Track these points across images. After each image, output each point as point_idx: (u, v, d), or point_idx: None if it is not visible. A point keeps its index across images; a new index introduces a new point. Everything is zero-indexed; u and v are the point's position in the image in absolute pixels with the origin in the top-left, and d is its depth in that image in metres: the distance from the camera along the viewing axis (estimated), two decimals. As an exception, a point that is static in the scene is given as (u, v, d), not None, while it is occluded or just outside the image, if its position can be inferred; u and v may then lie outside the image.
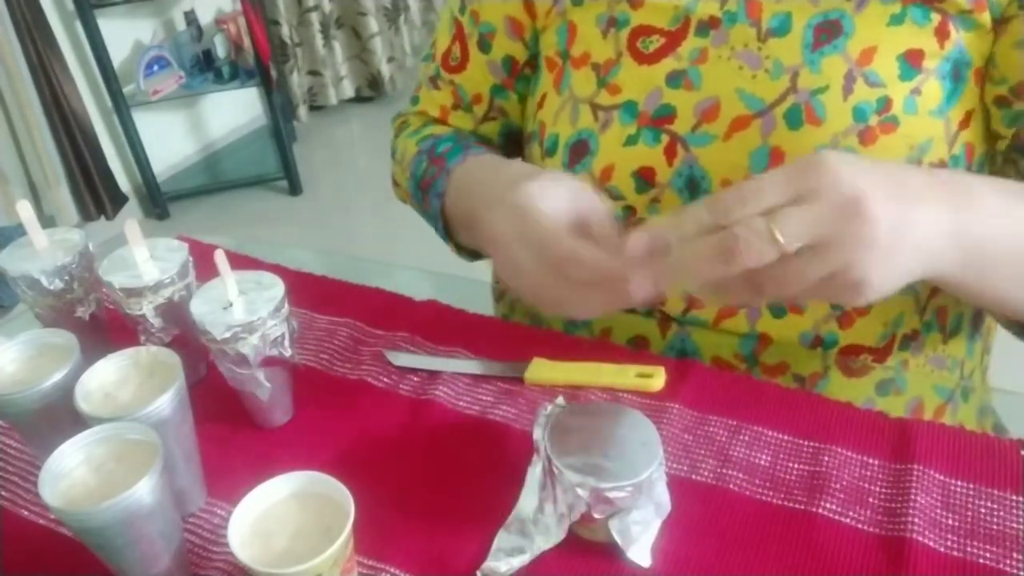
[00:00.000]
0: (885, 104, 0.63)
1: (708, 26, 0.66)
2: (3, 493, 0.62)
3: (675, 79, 0.68)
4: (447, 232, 0.77)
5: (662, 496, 0.53)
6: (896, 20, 0.63)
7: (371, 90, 3.57)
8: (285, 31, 3.26)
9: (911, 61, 0.63)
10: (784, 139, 0.65)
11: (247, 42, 2.75)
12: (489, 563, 0.53)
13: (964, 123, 0.64)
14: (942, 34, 0.62)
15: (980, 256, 0.52)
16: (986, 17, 0.61)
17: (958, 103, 0.64)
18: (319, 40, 3.35)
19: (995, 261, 0.53)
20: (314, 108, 3.51)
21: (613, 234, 0.55)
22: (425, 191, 0.77)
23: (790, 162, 0.65)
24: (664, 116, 0.68)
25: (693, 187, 0.69)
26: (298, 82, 3.36)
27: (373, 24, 3.42)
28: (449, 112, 0.84)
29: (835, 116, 0.63)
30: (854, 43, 0.63)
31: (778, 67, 0.65)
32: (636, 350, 0.74)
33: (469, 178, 0.71)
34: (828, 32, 0.64)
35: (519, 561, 0.53)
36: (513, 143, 0.87)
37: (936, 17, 0.62)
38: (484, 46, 0.80)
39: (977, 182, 0.55)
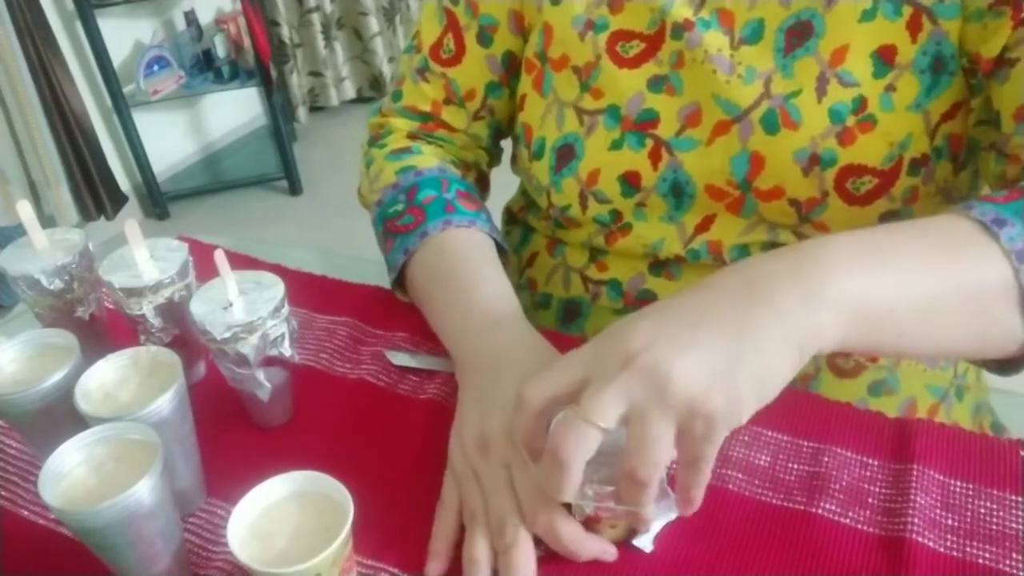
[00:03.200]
0: (860, 104, 0.62)
1: (682, 28, 0.66)
2: (3, 493, 0.62)
3: (657, 84, 0.68)
4: (398, 281, 0.74)
5: (670, 493, 0.54)
6: (868, 16, 0.62)
7: (373, 91, 3.56)
8: (285, 32, 3.25)
9: (884, 58, 0.62)
10: (762, 144, 0.65)
11: (247, 42, 2.75)
12: None
13: (949, 115, 0.64)
14: (914, 28, 0.62)
15: (874, 319, 0.47)
16: None
17: (941, 95, 0.63)
18: (320, 41, 3.35)
19: (899, 317, 0.48)
20: (315, 109, 3.51)
21: None
22: (391, 235, 0.73)
23: (770, 167, 0.65)
24: (647, 121, 0.68)
25: (678, 192, 0.69)
26: (298, 83, 3.35)
27: (375, 24, 3.41)
28: (441, 107, 0.80)
29: (811, 119, 0.63)
30: (825, 43, 0.63)
31: (751, 73, 0.65)
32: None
33: (443, 265, 0.69)
34: (799, 35, 0.64)
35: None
36: (497, 144, 0.86)
37: (908, 10, 0.61)
38: (484, 40, 0.77)
39: (829, 243, 0.48)
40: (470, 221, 0.71)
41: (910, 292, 0.48)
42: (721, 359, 0.44)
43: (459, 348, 0.64)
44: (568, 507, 0.52)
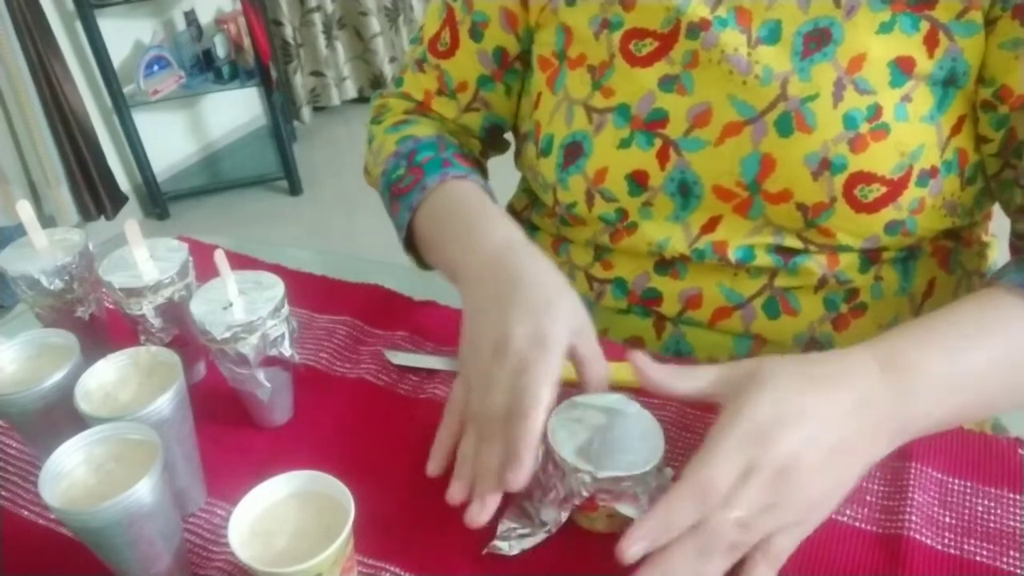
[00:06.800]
0: (875, 111, 0.63)
1: (699, 28, 0.66)
2: (3, 493, 0.62)
3: (668, 83, 0.68)
4: (409, 242, 0.76)
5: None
6: (886, 28, 0.62)
7: (373, 90, 3.56)
8: (288, 32, 3.26)
9: (902, 68, 0.63)
10: (775, 146, 0.65)
11: (247, 42, 2.75)
12: (496, 542, 0.54)
13: (956, 129, 0.64)
14: (931, 43, 0.62)
15: (930, 427, 0.55)
16: (979, 16, 0.61)
17: (950, 108, 0.64)
18: (321, 41, 3.35)
19: (952, 419, 0.55)
20: (316, 108, 3.51)
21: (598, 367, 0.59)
22: (396, 197, 0.76)
23: (780, 170, 0.65)
24: (657, 120, 0.68)
25: (685, 191, 0.69)
26: (301, 83, 3.36)
27: (375, 24, 3.42)
28: (432, 97, 0.83)
29: (825, 124, 0.63)
30: (843, 50, 0.63)
31: (768, 73, 0.65)
32: (636, 349, 0.74)
33: (447, 208, 0.71)
34: (818, 40, 0.64)
35: (527, 543, 0.54)
36: (495, 137, 0.87)
37: (925, 26, 0.62)
38: (476, 35, 0.78)
39: (920, 354, 0.54)
40: (465, 174, 0.73)
41: (976, 410, 0.57)
42: (837, 480, 0.50)
43: (470, 266, 0.65)
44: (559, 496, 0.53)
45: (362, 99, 3.59)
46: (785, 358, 0.52)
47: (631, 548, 0.47)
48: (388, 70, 3.51)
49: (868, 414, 0.50)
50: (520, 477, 0.52)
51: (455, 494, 0.55)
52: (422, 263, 0.78)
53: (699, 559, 0.46)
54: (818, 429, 0.49)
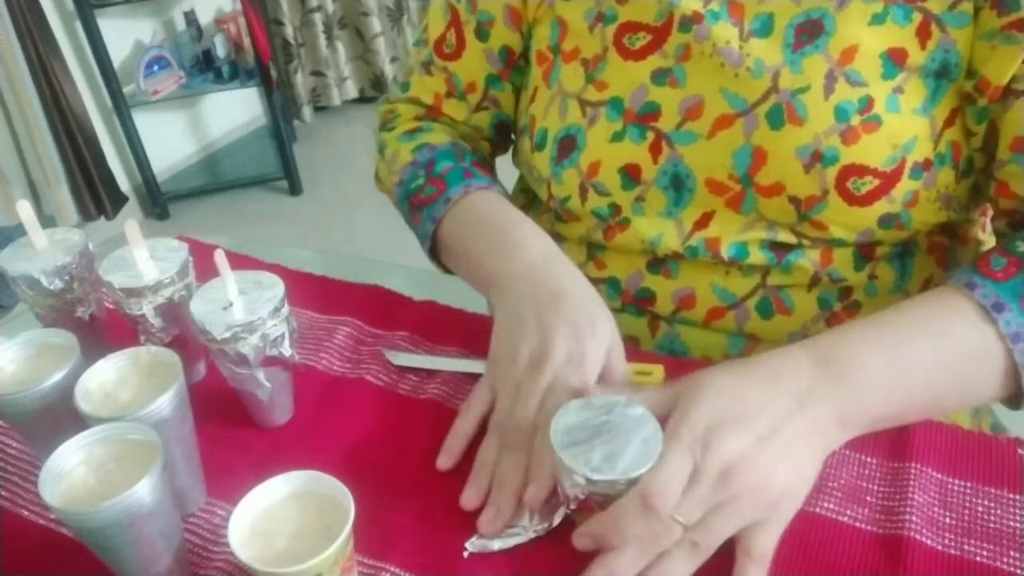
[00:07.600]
0: (867, 103, 0.63)
1: (691, 21, 0.67)
2: (3, 493, 0.62)
3: (660, 76, 0.69)
4: (432, 251, 0.78)
5: None
6: (878, 19, 0.63)
7: (374, 90, 3.56)
8: (289, 31, 3.26)
9: (894, 59, 0.63)
10: (766, 139, 0.65)
11: (247, 42, 2.75)
12: (483, 540, 0.54)
13: (949, 121, 0.64)
14: (923, 34, 0.62)
15: (880, 417, 0.56)
16: (971, 7, 0.61)
17: (943, 101, 0.64)
18: (322, 40, 3.35)
19: (900, 409, 0.57)
20: (317, 108, 3.51)
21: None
22: (417, 208, 0.76)
23: (772, 162, 0.66)
24: (649, 113, 0.69)
25: (678, 185, 0.69)
26: (302, 82, 3.36)
27: (376, 24, 3.41)
28: (443, 100, 0.83)
29: (817, 116, 0.63)
30: (835, 42, 0.63)
31: (759, 66, 0.65)
32: (631, 348, 0.74)
33: (474, 219, 0.72)
34: (809, 32, 0.64)
35: (513, 541, 0.54)
36: (503, 135, 0.87)
37: (918, 17, 0.62)
38: (482, 35, 0.79)
39: (856, 347, 0.55)
40: (488, 185, 0.75)
41: (923, 404, 0.57)
42: (794, 474, 0.52)
43: (506, 276, 0.66)
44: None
45: (363, 99, 3.59)
46: (722, 366, 0.55)
47: (578, 540, 0.52)
48: (389, 70, 3.51)
49: (809, 409, 0.52)
50: (541, 494, 0.54)
51: (470, 500, 0.56)
52: (447, 270, 0.79)
53: (640, 556, 0.49)
54: (759, 428, 0.51)
